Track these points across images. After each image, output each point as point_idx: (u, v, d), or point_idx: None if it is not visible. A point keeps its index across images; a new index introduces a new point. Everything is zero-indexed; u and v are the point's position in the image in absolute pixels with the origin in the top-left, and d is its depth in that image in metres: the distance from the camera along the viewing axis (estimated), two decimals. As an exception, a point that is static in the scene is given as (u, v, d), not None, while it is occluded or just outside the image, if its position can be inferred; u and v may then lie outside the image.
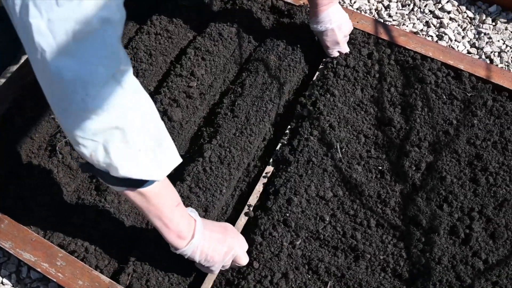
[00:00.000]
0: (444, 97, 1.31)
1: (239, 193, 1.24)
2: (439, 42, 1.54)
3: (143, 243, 1.10)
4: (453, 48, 1.52)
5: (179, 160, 0.85)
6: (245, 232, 1.15)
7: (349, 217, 1.15)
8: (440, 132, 1.26)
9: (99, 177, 0.83)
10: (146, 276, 1.07)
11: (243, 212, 1.18)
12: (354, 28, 1.42)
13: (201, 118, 1.35)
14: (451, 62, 1.35)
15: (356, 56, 1.38)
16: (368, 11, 1.63)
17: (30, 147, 1.26)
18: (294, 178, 1.18)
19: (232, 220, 1.19)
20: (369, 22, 1.43)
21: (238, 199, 1.23)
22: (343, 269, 1.08)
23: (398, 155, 1.23)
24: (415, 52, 1.38)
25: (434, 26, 1.59)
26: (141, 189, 0.83)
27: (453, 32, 1.57)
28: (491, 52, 1.52)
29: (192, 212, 0.97)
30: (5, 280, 1.19)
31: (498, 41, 1.54)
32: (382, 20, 1.59)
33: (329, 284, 1.07)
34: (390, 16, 1.61)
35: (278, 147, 1.27)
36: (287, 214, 1.14)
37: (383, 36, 1.41)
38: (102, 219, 1.15)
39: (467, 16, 1.60)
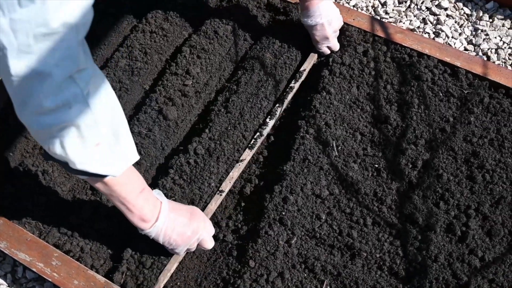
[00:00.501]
0: (441, 94, 1.31)
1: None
2: (436, 39, 1.53)
3: (136, 241, 1.10)
4: (450, 45, 1.52)
5: (136, 157, 0.88)
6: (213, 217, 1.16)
7: (345, 215, 1.15)
8: (436, 130, 1.25)
9: (61, 166, 0.85)
10: (140, 274, 1.07)
11: (214, 197, 1.17)
12: (350, 25, 1.41)
13: (197, 116, 1.34)
14: (447, 59, 1.35)
15: (352, 53, 1.38)
16: (364, 8, 1.62)
17: (25, 146, 1.26)
18: (290, 177, 1.18)
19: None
20: (365, 19, 1.43)
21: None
22: (339, 268, 1.08)
23: (394, 152, 1.23)
24: (411, 49, 1.37)
25: (431, 23, 1.58)
26: (103, 179, 0.86)
27: (450, 29, 1.56)
28: (488, 49, 1.51)
29: (158, 195, 0.99)
30: (0, 280, 1.19)
31: (495, 37, 1.53)
32: (378, 17, 1.58)
33: (325, 282, 1.07)
34: (386, 13, 1.61)
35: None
36: (283, 213, 1.13)
37: (380, 33, 1.40)
38: (97, 219, 1.15)
39: (464, 13, 1.60)
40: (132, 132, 1.16)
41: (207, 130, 1.25)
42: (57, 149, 0.78)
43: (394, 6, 1.62)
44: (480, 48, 1.52)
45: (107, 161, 0.83)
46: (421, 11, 1.61)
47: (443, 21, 1.57)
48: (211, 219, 1.15)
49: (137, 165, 1.12)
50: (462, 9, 1.60)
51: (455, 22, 1.58)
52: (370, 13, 1.62)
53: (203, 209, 1.15)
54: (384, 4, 1.63)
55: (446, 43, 1.53)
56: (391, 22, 1.58)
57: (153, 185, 1.20)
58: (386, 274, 1.08)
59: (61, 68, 0.70)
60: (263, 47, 1.38)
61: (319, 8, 1.27)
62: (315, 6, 1.27)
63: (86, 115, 0.77)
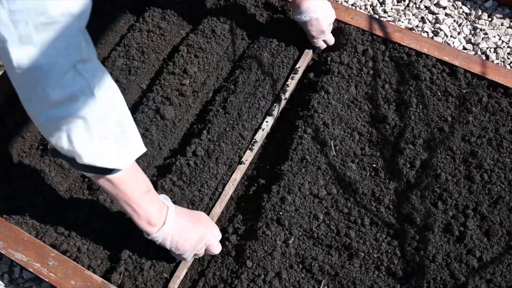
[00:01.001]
0: (439, 93, 1.30)
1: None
2: (435, 38, 1.53)
3: (134, 242, 1.09)
4: (449, 44, 1.51)
5: (143, 149, 0.87)
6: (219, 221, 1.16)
7: (343, 215, 1.14)
8: (434, 129, 1.25)
9: (67, 162, 0.85)
10: (138, 275, 1.07)
11: (218, 200, 1.17)
12: (348, 24, 1.41)
13: (194, 116, 1.34)
14: (446, 59, 1.34)
15: (350, 52, 1.37)
16: (363, 7, 1.62)
17: (21, 146, 1.25)
18: (288, 176, 1.17)
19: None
20: (363, 18, 1.42)
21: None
22: (337, 268, 1.08)
23: (392, 152, 1.22)
24: (410, 48, 1.37)
25: (430, 22, 1.58)
26: (109, 176, 0.85)
27: (449, 28, 1.55)
28: (487, 48, 1.51)
29: (165, 199, 0.98)
30: (-3, 280, 1.19)
31: (494, 36, 1.53)
32: (377, 16, 1.58)
33: (322, 282, 1.07)
34: (385, 12, 1.60)
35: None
36: (281, 213, 1.13)
37: (378, 32, 1.40)
38: (94, 219, 1.15)
39: (463, 11, 1.59)
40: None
41: (205, 131, 1.24)
42: (64, 143, 0.77)
43: (393, 5, 1.62)
44: (479, 47, 1.51)
45: (114, 154, 0.82)
46: (419, 10, 1.61)
47: (441, 20, 1.56)
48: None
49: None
50: (461, 8, 1.59)
51: (454, 21, 1.57)
52: (368, 12, 1.61)
53: (208, 213, 1.15)
54: (382, 3, 1.62)
55: (444, 42, 1.53)
56: (389, 21, 1.57)
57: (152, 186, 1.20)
58: (383, 274, 1.07)
59: (64, 57, 0.70)
60: (260, 46, 1.38)
61: (312, 3, 1.28)
62: (308, 1, 1.28)
63: (93, 108, 0.76)
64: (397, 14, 1.59)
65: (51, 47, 0.68)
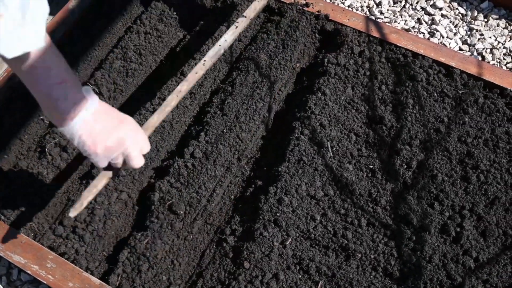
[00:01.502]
0: (436, 94, 1.31)
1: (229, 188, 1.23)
2: (431, 39, 1.53)
3: (132, 244, 1.10)
4: (445, 45, 1.52)
5: (41, 43, 0.75)
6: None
7: (340, 216, 1.15)
8: (431, 130, 1.25)
9: None
10: (136, 277, 1.07)
11: (158, 109, 1.06)
12: (345, 25, 1.41)
13: (191, 117, 1.34)
14: (442, 59, 1.35)
15: (347, 54, 1.38)
16: (359, 8, 1.62)
17: (19, 148, 1.25)
18: (285, 178, 1.18)
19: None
20: (360, 19, 1.43)
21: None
22: (334, 269, 1.08)
23: (389, 153, 1.23)
24: (406, 49, 1.37)
25: (426, 23, 1.58)
26: (6, 57, 0.72)
27: (445, 29, 1.56)
28: (483, 49, 1.51)
29: (86, 92, 0.85)
30: (-5, 283, 1.19)
31: (490, 37, 1.53)
32: (373, 17, 1.58)
33: (320, 283, 1.07)
34: (381, 13, 1.60)
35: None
36: (278, 214, 1.13)
37: (374, 33, 1.40)
38: (93, 221, 1.15)
39: (459, 12, 1.60)
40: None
41: (203, 133, 1.24)
42: None
43: (389, 6, 1.62)
44: (475, 48, 1.52)
45: (8, 36, 0.70)
46: (416, 11, 1.61)
47: (438, 21, 1.57)
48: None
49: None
50: (457, 9, 1.60)
51: (450, 22, 1.58)
52: (365, 13, 1.62)
53: (142, 123, 0.98)
54: (379, 4, 1.63)
55: (441, 43, 1.53)
56: (386, 22, 1.58)
57: (150, 187, 1.20)
58: (380, 275, 1.08)
59: None
60: (258, 47, 1.38)
61: None
62: None
63: None
64: (394, 15, 1.60)
65: None
